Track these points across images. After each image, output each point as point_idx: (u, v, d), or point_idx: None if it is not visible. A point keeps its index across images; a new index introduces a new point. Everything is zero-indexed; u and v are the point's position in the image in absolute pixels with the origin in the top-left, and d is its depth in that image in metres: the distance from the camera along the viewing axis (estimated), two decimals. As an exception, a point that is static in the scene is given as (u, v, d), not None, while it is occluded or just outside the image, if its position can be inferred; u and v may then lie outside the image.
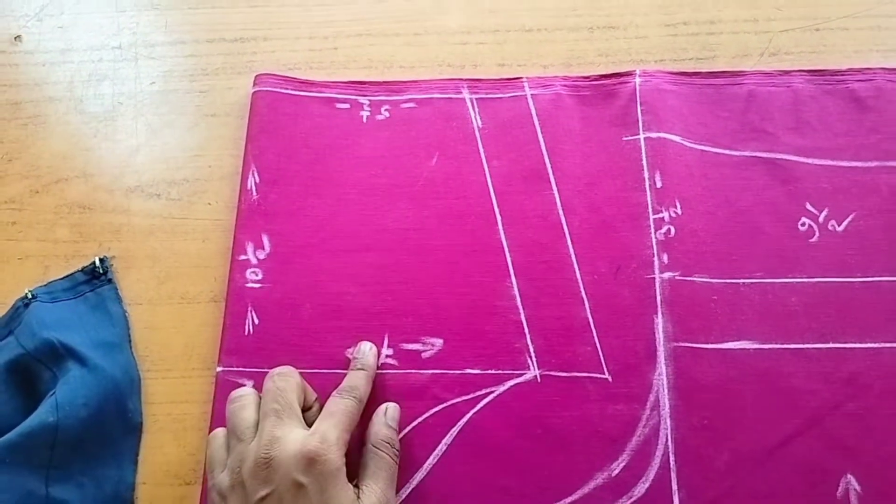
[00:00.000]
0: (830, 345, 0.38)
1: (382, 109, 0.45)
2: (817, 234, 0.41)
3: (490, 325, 0.40)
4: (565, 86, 0.45)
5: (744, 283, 0.40)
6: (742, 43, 0.45)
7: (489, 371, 0.39)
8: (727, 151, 0.43)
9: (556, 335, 0.39)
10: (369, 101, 0.45)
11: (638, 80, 0.44)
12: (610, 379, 0.38)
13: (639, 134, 0.43)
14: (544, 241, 0.41)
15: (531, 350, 0.39)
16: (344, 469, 0.33)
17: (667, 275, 0.40)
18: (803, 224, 0.41)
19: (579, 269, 0.41)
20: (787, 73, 0.44)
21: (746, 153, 0.43)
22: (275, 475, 0.32)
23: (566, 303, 0.40)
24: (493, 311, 0.40)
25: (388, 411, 0.37)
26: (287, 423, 0.34)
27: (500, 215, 0.42)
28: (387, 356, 0.40)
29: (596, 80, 0.45)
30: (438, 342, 0.40)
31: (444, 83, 0.45)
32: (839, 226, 0.41)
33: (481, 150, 0.44)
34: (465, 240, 0.42)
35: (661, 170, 0.42)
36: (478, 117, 0.45)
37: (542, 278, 0.41)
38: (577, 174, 0.43)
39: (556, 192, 0.42)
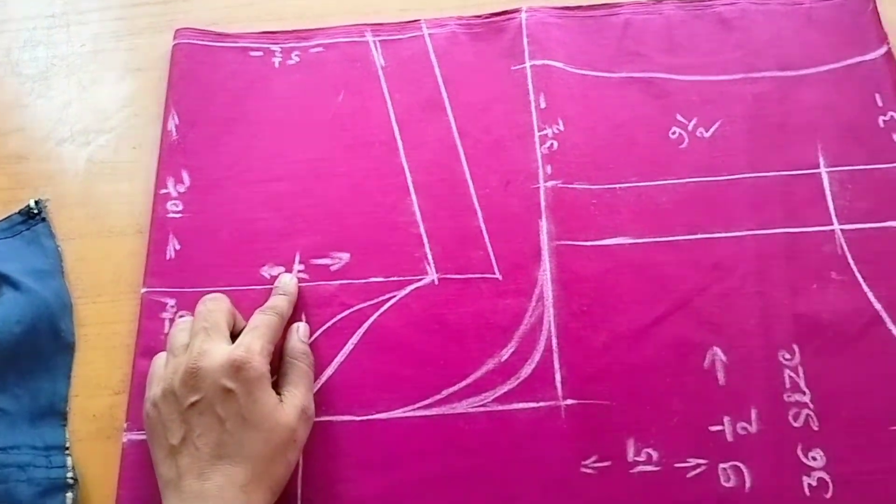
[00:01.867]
0: (698, 235, 0.42)
1: (293, 55, 0.49)
2: (687, 140, 0.45)
3: (392, 238, 0.44)
4: (459, 24, 0.49)
5: (620, 187, 0.44)
6: (620, -22, 0.50)
7: (392, 278, 0.43)
8: (606, 74, 0.47)
9: (452, 243, 0.43)
10: (280, 48, 0.49)
11: (524, 15, 0.48)
12: (500, 278, 0.42)
13: (525, 63, 0.47)
14: (442, 161, 0.45)
15: (429, 258, 0.43)
16: (268, 375, 0.36)
17: (550, 183, 0.44)
18: (674, 132, 0.45)
19: (473, 184, 0.45)
20: (659, 1, 0.48)
21: (623, 74, 0.47)
22: (203, 383, 0.34)
23: (461, 215, 0.44)
24: (395, 226, 0.44)
25: (301, 329, 0.40)
26: (215, 339, 0.37)
27: (402, 141, 0.46)
28: (298, 271, 0.43)
29: (487, 17, 0.49)
30: (345, 256, 0.43)
31: (349, 28, 0.49)
32: (707, 132, 0.45)
33: (384, 85, 0.48)
34: (369, 165, 0.46)
35: (545, 92, 0.46)
36: (381, 57, 0.48)
37: (440, 195, 0.44)
38: (470, 102, 0.47)
39: (451, 118, 0.46)
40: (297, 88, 0.48)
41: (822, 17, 0.47)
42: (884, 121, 0.44)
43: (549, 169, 0.44)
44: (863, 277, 0.41)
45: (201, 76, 0.48)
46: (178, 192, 0.45)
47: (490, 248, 0.43)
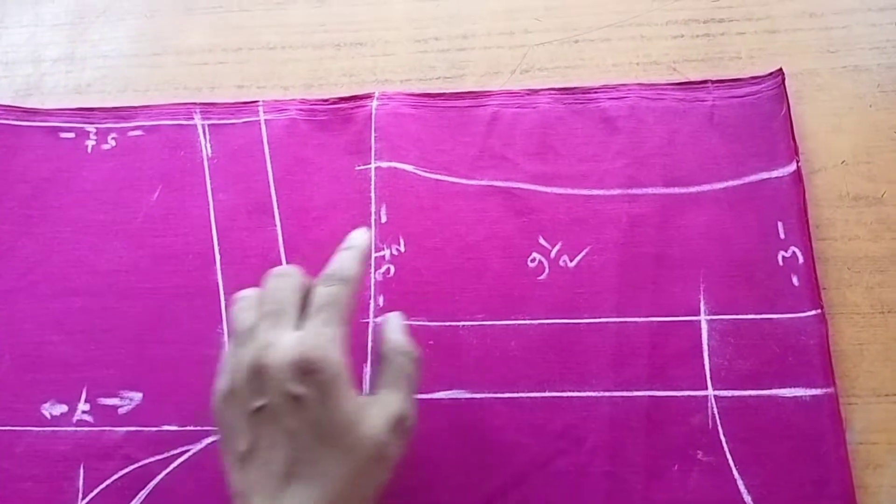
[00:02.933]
0: (546, 394, 0.36)
1: (109, 138, 0.42)
2: (547, 270, 0.38)
3: (195, 376, 0.37)
4: (301, 110, 0.41)
5: (463, 325, 0.37)
6: (494, 59, 0.42)
7: (187, 427, 0.36)
8: (463, 181, 0.40)
9: (261, 386, 0.37)
10: (96, 128, 0.42)
11: (375, 103, 0.41)
12: (312, 434, 0.36)
13: (370, 163, 0.40)
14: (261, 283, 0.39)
15: (233, 403, 0.37)
16: (346, 374, 0.28)
17: (381, 319, 0.37)
18: (533, 260, 0.38)
19: (294, 313, 0.38)
20: (534, 92, 0.41)
21: (483, 182, 0.39)
22: (268, 385, 0.28)
23: (276, 350, 0.37)
24: (201, 361, 0.37)
25: (395, 320, 0.33)
26: (281, 326, 0.29)
27: (220, 254, 0.39)
28: (83, 412, 0.37)
29: (334, 103, 0.41)
30: (137, 396, 0.37)
31: (176, 108, 0.42)
32: (571, 261, 0.38)
33: (208, 181, 0.41)
34: (179, 281, 0.39)
35: (387, 203, 0.39)
36: (208, 145, 0.41)
37: (255, 324, 0.38)
38: (305, 207, 0.40)
39: (279, 227, 0.39)
40: (109, 180, 0.41)
41: (726, 119, 0.39)
42: (784, 257, 0.37)
43: (381, 300, 0.38)
44: (734, 461, 0.34)
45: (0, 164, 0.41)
46: (-44, 308, 0.39)
47: (305, 396, 0.37)
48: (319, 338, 0.28)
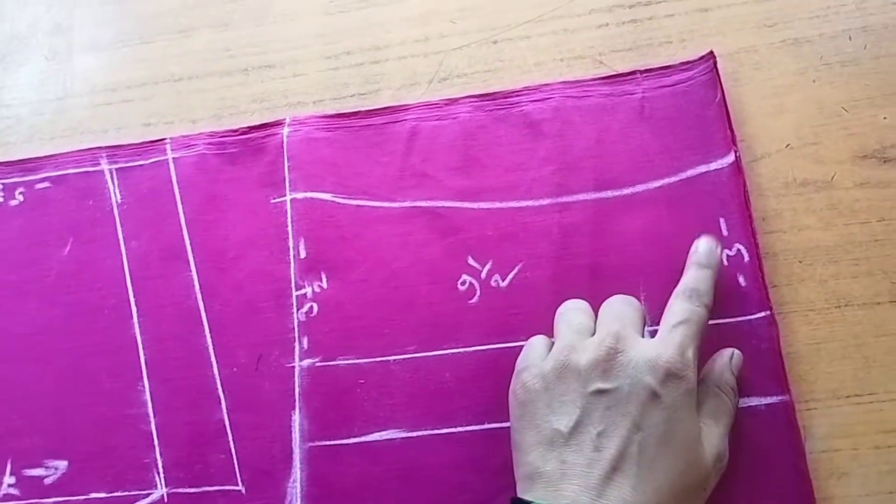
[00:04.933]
0: (485, 426, 0.33)
1: (17, 193, 0.40)
2: (478, 293, 0.35)
3: (118, 438, 0.35)
4: (210, 144, 0.39)
5: (395, 359, 0.35)
6: (410, 69, 0.39)
7: (115, 494, 0.35)
8: (385, 204, 0.37)
9: (187, 444, 0.35)
10: (2, 184, 0.40)
11: (286, 130, 0.39)
12: (244, 490, 0.34)
13: (285, 195, 0.38)
14: (180, 332, 0.37)
15: (160, 465, 0.35)
16: (696, 393, 0.29)
17: (307, 362, 0.35)
18: (464, 283, 0.36)
19: (217, 362, 0.36)
20: (453, 101, 0.38)
21: (406, 204, 0.37)
22: (622, 372, 0.28)
23: (200, 405, 0.35)
24: (123, 422, 0.36)
25: (735, 358, 0.31)
26: (634, 333, 0.29)
27: (136, 306, 0.37)
28: (9, 485, 0.35)
29: (244, 133, 0.39)
30: (63, 464, 0.35)
31: (81, 155, 0.40)
32: (503, 280, 0.35)
33: (119, 230, 0.39)
34: (95, 339, 0.37)
35: (305, 237, 0.37)
36: (117, 191, 0.39)
37: (177, 378, 0.36)
38: (220, 248, 0.38)
39: (194, 272, 0.37)
40: (17, 238, 0.39)
41: (657, 111, 0.37)
42: (728, 256, 0.34)
43: (305, 342, 0.35)
44: (686, 481, 0.32)
45: None
46: None
47: (233, 450, 0.35)
48: (684, 350, 0.28)
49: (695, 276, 0.31)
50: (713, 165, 0.35)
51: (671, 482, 0.27)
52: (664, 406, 0.27)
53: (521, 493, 0.28)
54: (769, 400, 0.32)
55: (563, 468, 0.27)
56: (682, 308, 0.30)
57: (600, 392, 0.27)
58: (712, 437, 0.29)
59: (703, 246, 0.32)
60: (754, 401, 0.32)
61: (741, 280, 0.34)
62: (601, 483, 0.26)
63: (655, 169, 0.36)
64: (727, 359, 0.31)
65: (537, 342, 0.32)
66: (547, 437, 0.28)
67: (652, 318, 0.34)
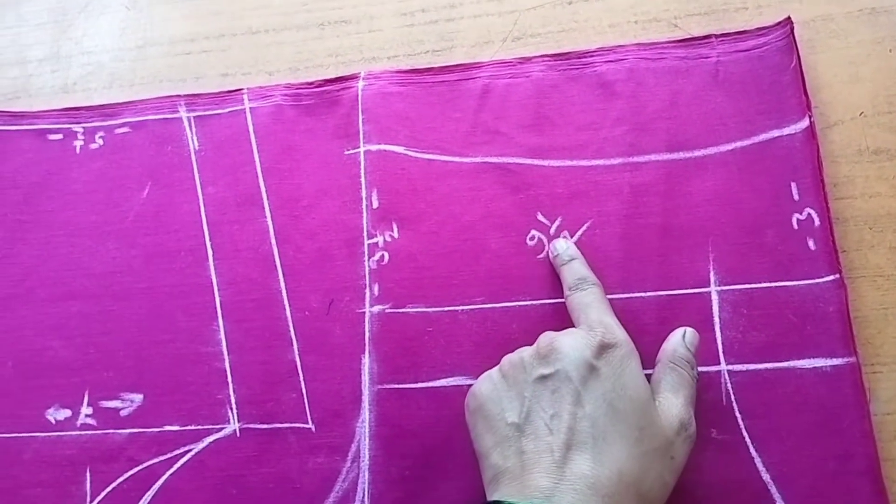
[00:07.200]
0: (551, 377, 0.34)
1: (97, 137, 0.41)
2: (547, 248, 0.36)
3: (193, 375, 0.37)
4: (286, 95, 0.40)
5: (463, 310, 0.36)
6: (484, 27, 0.40)
7: (188, 427, 0.36)
8: (456, 159, 0.38)
9: (259, 383, 0.36)
10: (84, 128, 0.42)
11: (361, 83, 0.39)
12: (313, 429, 0.35)
13: (359, 147, 0.39)
14: (254, 276, 0.38)
15: (232, 401, 0.36)
16: (638, 356, 0.30)
17: (377, 308, 0.36)
18: (532, 238, 0.36)
19: (290, 305, 0.37)
20: (527, 60, 0.39)
21: (477, 159, 0.38)
22: (559, 355, 0.29)
23: (273, 345, 0.36)
24: (197, 360, 0.37)
25: (687, 335, 0.32)
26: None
27: (212, 249, 0.39)
28: (86, 416, 0.37)
29: (319, 86, 0.40)
30: (138, 398, 0.37)
31: (160, 102, 0.41)
32: (572, 237, 0.36)
33: (196, 176, 0.40)
34: (172, 280, 0.38)
35: (378, 187, 0.38)
36: (195, 138, 0.40)
37: (250, 319, 0.37)
38: (294, 197, 0.39)
39: (269, 219, 0.38)
40: (98, 180, 0.40)
41: (731, 75, 0.37)
42: (798, 220, 0.34)
43: (376, 289, 0.36)
44: (750, 438, 0.32)
45: (-10, 170, 0.41)
46: (-44, 318, 0.39)
47: (304, 390, 0.36)
48: (604, 321, 0.30)
49: (569, 271, 0.34)
50: (786, 130, 0.36)
51: (629, 449, 0.27)
52: (604, 377, 0.28)
53: (490, 496, 0.28)
54: (836, 361, 0.32)
55: (523, 459, 0.27)
56: (580, 297, 0.32)
57: (543, 378, 0.29)
58: (672, 406, 0.29)
59: (557, 247, 0.35)
60: (820, 362, 0.33)
61: (811, 244, 0.34)
62: (560, 464, 0.27)
63: (728, 132, 0.36)
64: (680, 336, 0.32)
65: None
66: (503, 435, 0.28)
67: (720, 279, 0.34)
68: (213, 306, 0.38)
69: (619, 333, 0.30)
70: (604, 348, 0.29)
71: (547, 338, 0.30)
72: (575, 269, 0.34)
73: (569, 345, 0.29)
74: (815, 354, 0.33)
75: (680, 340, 0.32)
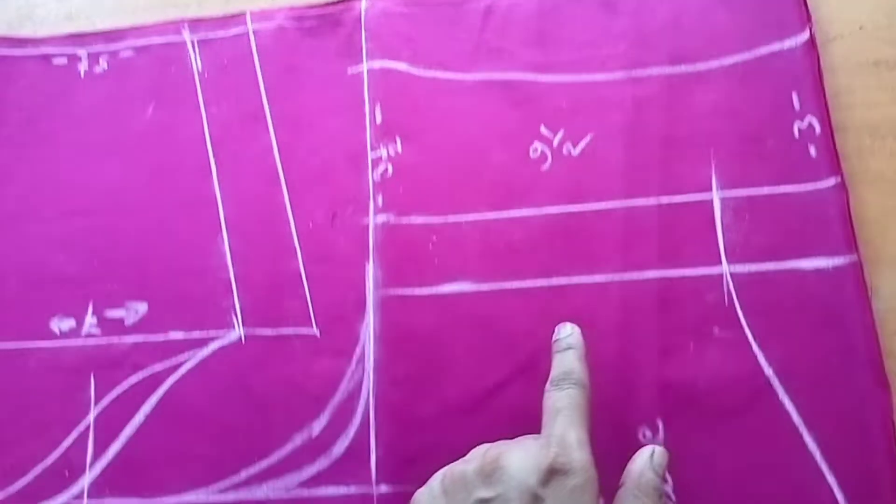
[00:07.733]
0: (553, 281, 0.34)
1: (101, 61, 0.42)
2: (550, 159, 0.36)
3: (197, 285, 0.37)
4: (289, 18, 0.40)
5: (466, 220, 0.36)
6: (487, -50, 0.40)
7: (193, 333, 0.36)
8: (459, 76, 0.38)
9: (265, 290, 0.36)
10: (87, 52, 0.42)
11: (364, 4, 0.40)
12: (318, 334, 0.35)
13: (362, 64, 0.39)
14: (258, 190, 0.38)
15: (237, 308, 0.36)
16: (596, 481, 0.26)
17: (381, 218, 0.36)
18: (535, 150, 0.37)
19: (294, 218, 0.37)
20: (530, -21, 0.39)
21: (480, 76, 0.38)
22: (504, 477, 0.26)
23: (278, 255, 0.37)
24: (202, 271, 0.37)
25: (655, 456, 0.28)
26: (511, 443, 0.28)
27: (216, 165, 0.39)
28: (91, 325, 0.37)
29: (321, 7, 0.40)
30: (143, 307, 0.37)
31: (164, 26, 0.42)
32: (575, 149, 0.36)
33: (200, 96, 0.40)
34: (176, 195, 0.39)
35: (382, 103, 0.38)
36: (198, 60, 0.41)
37: (255, 232, 0.37)
38: (298, 114, 0.39)
39: (272, 135, 0.39)
40: (103, 102, 0.41)
41: (732, -9, 0.37)
42: (799, 129, 0.35)
43: (380, 200, 0.37)
44: (753, 335, 0.32)
45: (-6, 93, 0.41)
46: (-39, 234, 0.39)
47: (308, 297, 0.36)
48: (564, 439, 0.27)
49: (559, 362, 0.30)
50: (787, 43, 0.36)
51: None
52: None
53: None
54: (837, 261, 0.33)
55: None
56: (555, 398, 0.29)
57: (483, 501, 0.26)
58: None
59: (561, 332, 0.31)
60: (822, 261, 0.33)
61: (812, 151, 0.34)
62: None
63: (729, 46, 0.36)
64: (647, 458, 0.28)
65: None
66: None
67: (722, 184, 0.35)
68: (217, 220, 0.38)
69: (576, 456, 0.26)
70: (553, 473, 0.26)
71: (495, 450, 0.27)
72: (565, 361, 0.30)
73: (515, 465, 0.26)
74: (816, 254, 0.33)
75: (647, 463, 0.28)
